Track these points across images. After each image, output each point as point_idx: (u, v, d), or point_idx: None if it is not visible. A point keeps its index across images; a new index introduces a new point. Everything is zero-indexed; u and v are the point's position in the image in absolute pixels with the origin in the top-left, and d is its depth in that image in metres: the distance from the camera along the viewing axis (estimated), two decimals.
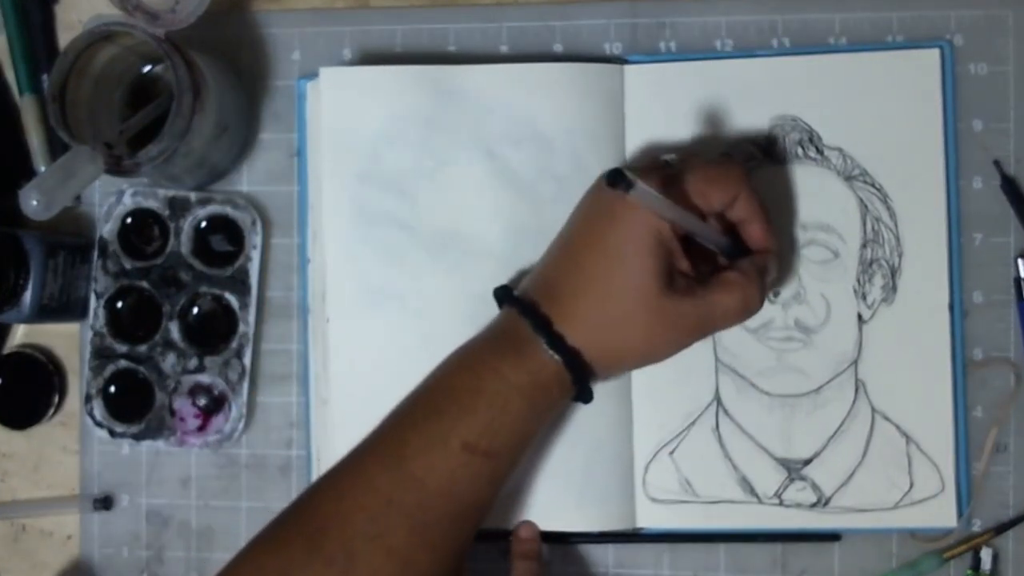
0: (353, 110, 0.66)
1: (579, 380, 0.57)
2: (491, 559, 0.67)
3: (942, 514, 0.64)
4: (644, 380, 0.65)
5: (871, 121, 0.65)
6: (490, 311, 0.60)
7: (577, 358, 0.56)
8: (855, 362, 0.64)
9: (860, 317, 0.64)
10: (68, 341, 0.71)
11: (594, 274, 0.56)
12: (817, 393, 0.65)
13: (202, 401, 0.69)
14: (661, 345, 0.58)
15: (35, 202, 0.55)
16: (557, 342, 0.56)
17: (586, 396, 0.58)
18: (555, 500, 0.64)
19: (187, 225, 0.68)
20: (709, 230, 0.57)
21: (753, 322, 0.64)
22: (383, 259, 0.66)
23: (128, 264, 0.69)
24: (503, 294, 0.59)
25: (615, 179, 0.51)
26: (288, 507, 0.57)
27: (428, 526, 0.55)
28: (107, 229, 0.69)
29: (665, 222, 0.55)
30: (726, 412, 0.65)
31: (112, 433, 0.69)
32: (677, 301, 0.56)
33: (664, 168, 0.60)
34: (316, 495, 0.57)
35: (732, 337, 0.65)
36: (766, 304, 0.64)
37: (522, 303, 0.57)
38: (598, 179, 0.58)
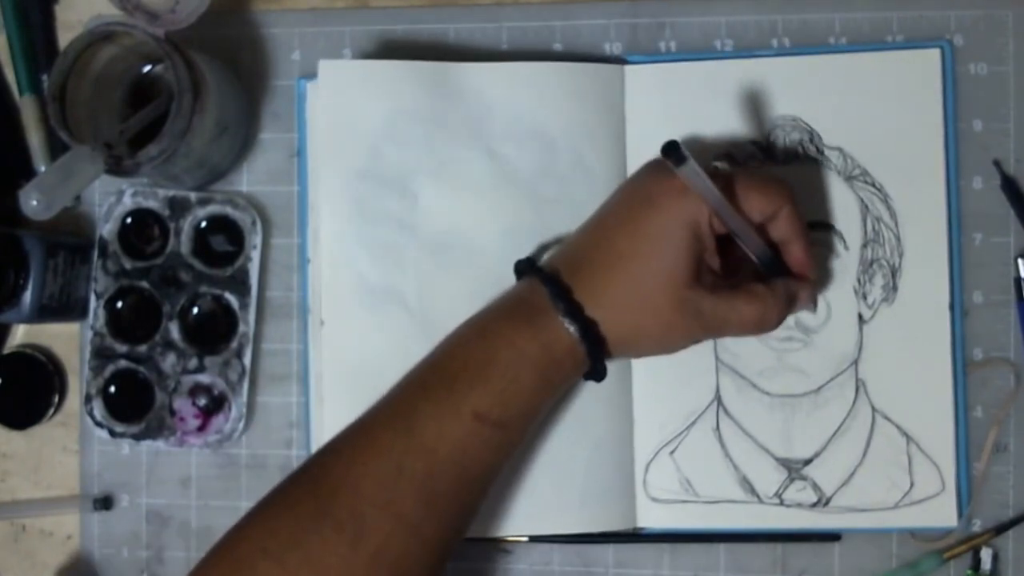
0: (352, 105, 0.65)
1: (593, 354, 0.56)
2: (491, 559, 0.67)
3: (942, 514, 0.64)
4: (645, 380, 0.65)
5: (871, 121, 0.65)
6: None
7: (593, 330, 0.56)
8: (855, 362, 0.64)
9: (860, 317, 0.64)
10: (68, 341, 0.71)
11: (624, 253, 0.56)
12: (817, 393, 0.65)
13: (202, 401, 0.69)
14: (675, 335, 0.58)
15: (35, 202, 0.55)
16: (575, 311, 0.55)
17: (599, 373, 0.58)
18: (556, 500, 0.64)
19: (187, 225, 0.68)
20: (749, 230, 0.57)
21: None
22: (382, 258, 0.65)
23: (128, 264, 0.69)
24: (525, 265, 0.59)
25: (670, 149, 0.51)
26: (295, 471, 0.56)
27: (437, 495, 0.54)
28: (107, 229, 0.69)
29: (703, 216, 0.55)
30: (726, 412, 0.65)
31: (112, 433, 0.69)
32: (700, 295, 0.56)
33: (713, 172, 0.60)
34: (325, 459, 0.56)
35: (732, 337, 0.65)
36: None
37: (544, 272, 0.57)
38: (645, 164, 0.58)
